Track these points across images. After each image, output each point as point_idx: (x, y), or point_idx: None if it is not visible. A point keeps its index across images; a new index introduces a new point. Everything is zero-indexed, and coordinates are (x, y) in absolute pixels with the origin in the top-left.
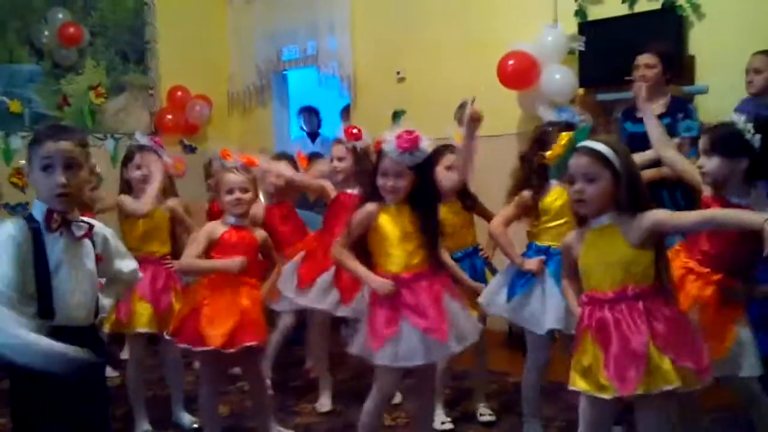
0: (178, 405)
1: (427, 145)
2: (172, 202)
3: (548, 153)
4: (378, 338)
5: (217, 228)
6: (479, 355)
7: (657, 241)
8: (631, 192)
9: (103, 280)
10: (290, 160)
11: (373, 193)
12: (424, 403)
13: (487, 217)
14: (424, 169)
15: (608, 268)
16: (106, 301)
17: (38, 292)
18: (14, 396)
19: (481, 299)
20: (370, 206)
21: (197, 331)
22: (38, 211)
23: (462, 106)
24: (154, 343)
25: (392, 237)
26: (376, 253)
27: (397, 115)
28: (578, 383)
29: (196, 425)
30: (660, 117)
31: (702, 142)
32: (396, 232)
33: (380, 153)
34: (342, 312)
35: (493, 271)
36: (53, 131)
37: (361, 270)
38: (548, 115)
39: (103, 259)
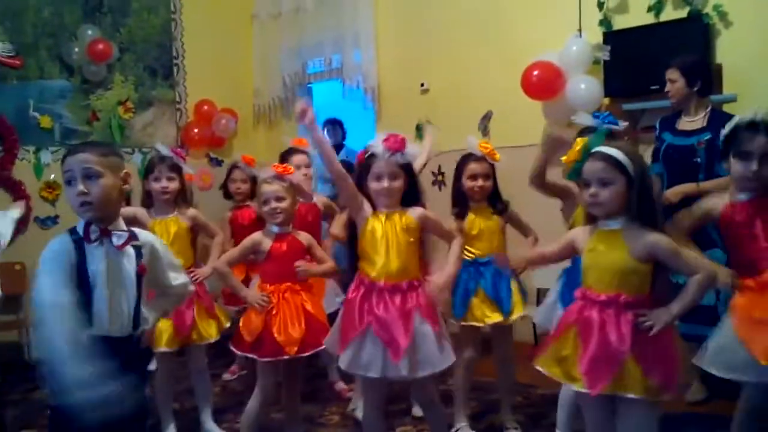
0: (205, 416)
1: (413, 149)
2: (191, 212)
3: (563, 157)
4: (342, 341)
5: (264, 240)
6: (505, 367)
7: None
8: (640, 201)
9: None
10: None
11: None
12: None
13: (521, 228)
14: (411, 175)
15: (605, 272)
16: (150, 314)
17: (80, 302)
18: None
19: (536, 319)
20: (367, 207)
21: (274, 342)
22: (80, 223)
23: (486, 117)
24: (181, 354)
25: (377, 243)
26: (362, 256)
27: (420, 128)
28: (551, 369)
29: None
30: (700, 132)
31: None
32: (382, 238)
33: (368, 159)
34: None
35: (518, 281)
36: (75, 146)
37: (235, 284)
38: (586, 120)
39: (148, 271)
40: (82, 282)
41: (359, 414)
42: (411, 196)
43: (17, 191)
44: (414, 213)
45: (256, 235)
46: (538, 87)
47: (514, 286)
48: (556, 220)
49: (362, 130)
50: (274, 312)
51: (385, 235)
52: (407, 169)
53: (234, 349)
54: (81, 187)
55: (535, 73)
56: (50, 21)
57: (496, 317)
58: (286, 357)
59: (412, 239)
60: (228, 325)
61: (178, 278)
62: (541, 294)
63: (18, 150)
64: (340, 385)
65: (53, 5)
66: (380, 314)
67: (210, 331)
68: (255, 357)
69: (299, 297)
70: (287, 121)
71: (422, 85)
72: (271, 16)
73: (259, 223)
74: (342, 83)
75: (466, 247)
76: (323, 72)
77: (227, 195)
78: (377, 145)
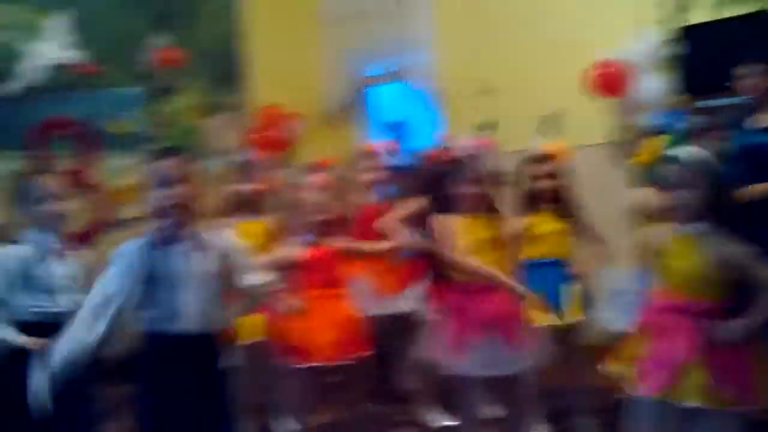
0: (277, 413)
1: (509, 146)
2: (270, 219)
3: (635, 158)
4: (451, 345)
5: (297, 249)
6: (576, 371)
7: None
8: (719, 205)
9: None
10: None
11: (443, 204)
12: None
13: (589, 235)
14: (498, 176)
15: (680, 277)
16: (229, 313)
17: (153, 301)
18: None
19: (610, 321)
20: (447, 219)
21: (312, 349)
22: (155, 226)
23: (548, 117)
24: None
25: (465, 247)
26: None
27: (483, 127)
28: (618, 371)
29: None
30: None
31: None
32: (469, 242)
33: (453, 162)
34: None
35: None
36: (161, 152)
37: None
38: (656, 119)
39: (221, 272)
40: (158, 282)
41: (430, 418)
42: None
43: (96, 195)
44: (500, 219)
45: (284, 249)
46: (604, 85)
47: (573, 288)
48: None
49: (425, 132)
50: (311, 318)
51: (471, 237)
52: (494, 174)
53: (274, 356)
54: (170, 191)
55: (602, 70)
56: (123, 30)
57: (551, 319)
58: (317, 364)
59: (500, 241)
60: None
61: (252, 279)
62: (613, 296)
63: (94, 156)
64: (410, 387)
65: (126, 15)
66: (487, 315)
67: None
68: (292, 364)
69: (338, 303)
70: (351, 124)
71: (484, 85)
72: (336, 19)
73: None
74: (405, 85)
75: (529, 248)
76: (386, 74)
77: None
78: (465, 148)
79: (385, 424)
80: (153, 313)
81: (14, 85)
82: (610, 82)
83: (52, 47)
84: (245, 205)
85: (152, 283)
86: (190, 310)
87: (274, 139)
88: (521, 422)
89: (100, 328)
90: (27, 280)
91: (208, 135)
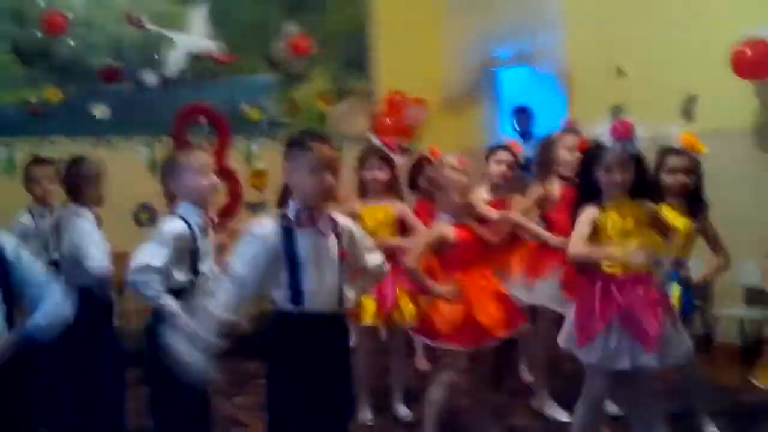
0: (397, 396)
1: (641, 131)
2: (401, 206)
3: None
4: (584, 334)
5: (447, 230)
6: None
7: None
8: None
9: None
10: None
11: (588, 192)
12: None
13: (711, 240)
14: (641, 160)
15: None
16: (350, 293)
17: (289, 281)
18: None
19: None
20: (590, 209)
21: (478, 329)
22: (291, 209)
23: (690, 100)
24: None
25: (611, 236)
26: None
27: (614, 112)
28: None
29: (410, 419)
30: None
31: None
32: (615, 230)
33: (596, 149)
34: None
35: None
36: (319, 138)
37: (424, 279)
38: None
39: (348, 254)
40: (292, 263)
41: (547, 410)
42: (642, 187)
43: (230, 179)
44: (644, 206)
45: (440, 227)
46: (750, 66)
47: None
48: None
49: (553, 117)
50: (470, 300)
51: (622, 227)
52: (637, 159)
53: (427, 341)
54: (331, 180)
55: (747, 50)
56: (256, 20)
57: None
58: (492, 343)
59: (647, 231)
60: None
61: (373, 259)
62: (750, 292)
63: (231, 141)
64: (529, 378)
65: (259, 5)
66: (625, 305)
67: (412, 315)
68: (455, 347)
69: (490, 281)
70: (475, 109)
71: (617, 68)
72: (462, 3)
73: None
74: (532, 69)
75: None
76: (512, 58)
77: (413, 185)
78: (604, 134)
79: (504, 414)
80: (287, 293)
81: (158, 74)
82: (758, 61)
83: (192, 38)
84: (370, 190)
85: (287, 263)
86: (323, 290)
87: (399, 125)
88: (643, 421)
89: (231, 304)
90: (182, 251)
91: (336, 120)
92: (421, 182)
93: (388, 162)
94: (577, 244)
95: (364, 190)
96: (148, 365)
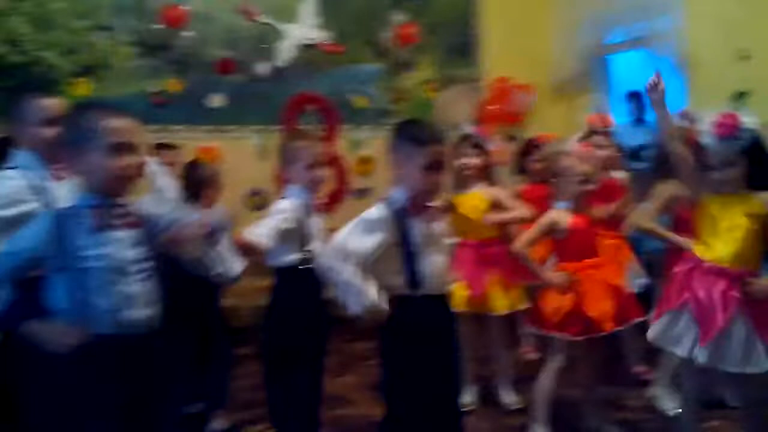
0: (502, 384)
1: (751, 123)
2: (493, 191)
3: None
4: (657, 313)
5: (561, 217)
6: None
7: None
8: None
9: None
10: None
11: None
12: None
13: None
14: (755, 152)
15: None
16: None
17: (404, 266)
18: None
19: None
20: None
21: (586, 321)
22: (400, 197)
23: None
24: (479, 321)
25: (712, 227)
26: (696, 236)
27: (737, 97)
28: None
29: (517, 407)
30: None
31: None
32: (721, 222)
33: (697, 149)
34: None
35: None
36: (433, 134)
37: (534, 266)
38: None
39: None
40: (407, 249)
41: (664, 404)
42: (759, 177)
43: (337, 165)
44: (761, 198)
45: (553, 214)
46: None
47: None
48: None
49: (670, 103)
50: (582, 289)
51: (723, 219)
52: (751, 149)
53: (535, 329)
54: (440, 177)
55: None
56: (364, 9)
57: None
58: (601, 334)
59: (755, 226)
60: (523, 306)
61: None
62: None
63: (338, 128)
64: (640, 369)
65: None
66: (700, 293)
67: (502, 303)
68: (565, 336)
69: (604, 272)
70: (586, 95)
71: (741, 51)
72: None
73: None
74: (647, 52)
75: None
76: (626, 42)
77: (522, 170)
78: (706, 132)
79: (615, 406)
80: (403, 278)
81: (270, 65)
82: None
83: (302, 29)
84: (464, 177)
85: (403, 249)
86: (436, 273)
87: (506, 112)
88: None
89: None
90: (292, 232)
91: (442, 108)
92: (530, 167)
93: (481, 148)
94: None
95: (458, 178)
96: (264, 342)
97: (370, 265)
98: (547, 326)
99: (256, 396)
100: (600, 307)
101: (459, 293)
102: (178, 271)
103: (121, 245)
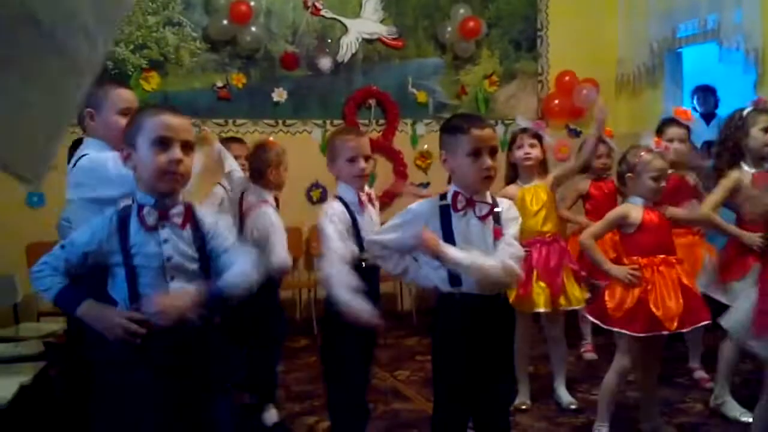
0: (559, 383)
1: None
2: (550, 178)
3: None
4: (761, 325)
5: (633, 211)
6: None
7: None
8: None
9: None
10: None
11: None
12: None
13: None
14: None
15: None
16: None
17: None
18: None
19: None
20: None
21: (651, 318)
22: (450, 192)
23: None
24: (537, 320)
25: None
26: None
27: None
28: None
29: (573, 406)
30: None
31: None
32: None
33: None
34: None
35: None
36: (477, 121)
37: (600, 258)
38: None
39: (499, 233)
40: (446, 243)
41: (729, 410)
42: None
43: (396, 159)
44: None
45: (623, 207)
46: None
47: None
48: None
49: (740, 97)
50: (649, 286)
51: None
52: None
53: (599, 324)
54: (490, 162)
55: None
56: (427, 3)
57: None
58: (665, 333)
59: None
60: (582, 304)
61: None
62: None
63: (398, 123)
64: (700, 374)
65: None
66: None
67: (578, 296)
68: (628, 332)
69: (675, 270)
70: (652, 89)
71: None
72: None
73: (616, 195)
74: (718, 46)
75: None
76: (696, 35)
77: (587, 167)
78: None
79: (675, 409)
80: (445, 275)
81: (332, 59)
82: None
83: (364, 23)
84: (523, 170)
85: (443, 242)
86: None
87: (569, 107)
88: None
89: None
90: (345, 228)
91: (502, 102)
92: (594, 163)
93: (538, 140)
94: None
95: (515, 172)
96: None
97: (412, 259)
98: (610, 321)
99: (310, 388)
100: (666, 306)
101: (539, 293)
102: None
103: (171, 244)
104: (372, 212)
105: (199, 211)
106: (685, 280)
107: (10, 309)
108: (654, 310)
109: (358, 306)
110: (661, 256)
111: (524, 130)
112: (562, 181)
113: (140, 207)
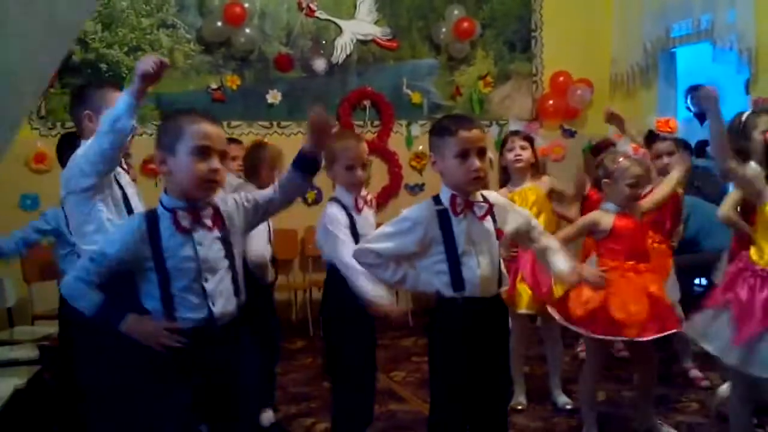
0: (554, 384)
1: None
2: (546, 178)
3: None
4: (741, 334)
5: (604, 218)
6: None
7: None
8: None
9: None
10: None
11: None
12: None
13: None
14: None
15: None
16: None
17: (448, 268)
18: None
19: None
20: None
21: (611, 321)
22: (444, 195)
23: None
24: (533, 321)
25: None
26: (754, 241)
27: None
28: None
29: (569, 407)
30: None
31: None
32: None
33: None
34: None
35: None
36: (464, 122)
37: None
38: None
39: (501, 232)
40: (450, 250)
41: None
42: None
43: (391, 160)
44: None
45: (594, 215)
46: None
47: None
48: None
49: (733, 97)
50: (612, 289)
51: None
52: None
53: (561, 321)
54: (478, 164)
55: None
56: (421, 4)
57: None
58: (622, 338)
59: None
60: None
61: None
62: None
63: (393, 124)
64: (695, 373)
65: None
66: (743, 295)
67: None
68: (586, 332)
69: (643, 277)
70: (646, 89)
71: None
72: None
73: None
74: (712, 45)
75: None
76: (690, 34)
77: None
78: None
79: (670, 408)
80: (447, 280)
81: (326, 61)
82: None
83: (358, 24)
84: (514, 172)
85: (445, 250)
86: (483, 275)
87: (564, 107)
88: None
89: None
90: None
91: (497, 103)
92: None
93: (531, 142)
94: None
95: (507, 174)
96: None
97: (413, 264)
98: (571, 319)
99: (307, 390)
100: (629, 311)
101: (523, 293)
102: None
103: (205, 246)
104: (368, 214)
105: (222, 209)
106: (652, 288)
107: (5, 312)
108: (615, 313)
109: (382, 297)
110: (631, 262)
111: (515, 132)
112: (556, 199)
113: (173, 211)
